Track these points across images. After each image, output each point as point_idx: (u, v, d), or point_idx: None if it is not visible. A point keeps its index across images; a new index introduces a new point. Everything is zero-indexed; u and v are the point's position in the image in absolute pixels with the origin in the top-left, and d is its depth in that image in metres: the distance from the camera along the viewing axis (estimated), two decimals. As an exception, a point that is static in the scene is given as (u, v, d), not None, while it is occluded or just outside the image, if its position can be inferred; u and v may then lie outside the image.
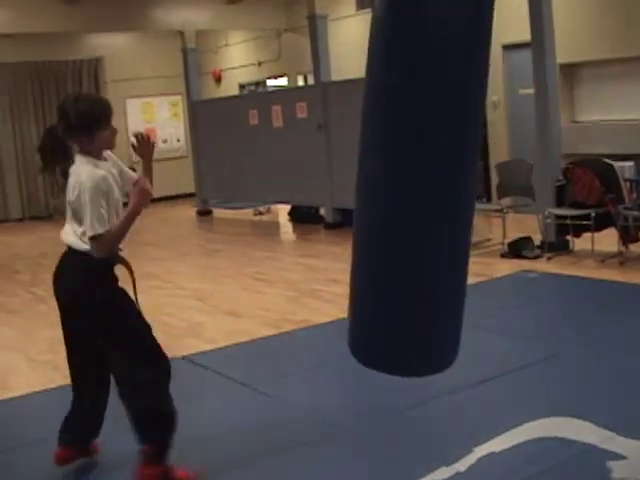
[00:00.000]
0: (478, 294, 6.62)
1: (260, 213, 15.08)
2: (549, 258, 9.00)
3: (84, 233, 3.77)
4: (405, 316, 2.78)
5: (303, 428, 4.68)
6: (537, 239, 9.39)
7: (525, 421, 4.48)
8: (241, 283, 9.11)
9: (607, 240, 8.87)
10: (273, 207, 15.19)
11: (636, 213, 8.43)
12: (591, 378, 5.20)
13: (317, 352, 6.38)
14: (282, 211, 14.70)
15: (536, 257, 9.10)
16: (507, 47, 12.21)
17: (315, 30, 12.57)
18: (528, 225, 9.86)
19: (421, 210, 2.69)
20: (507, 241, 9.45)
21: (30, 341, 7.19)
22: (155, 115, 18.48)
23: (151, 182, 3.96)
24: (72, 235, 3.88)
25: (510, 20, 10.69)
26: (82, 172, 3.75)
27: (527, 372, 5.38)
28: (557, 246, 9.26)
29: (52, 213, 16.69)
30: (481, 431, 4.39)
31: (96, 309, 3.85)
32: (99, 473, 4.27)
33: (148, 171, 4.10)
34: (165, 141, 18.35)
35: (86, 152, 3.82)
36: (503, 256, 9.26)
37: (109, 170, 3.87)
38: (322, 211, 13.21)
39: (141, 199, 3.75)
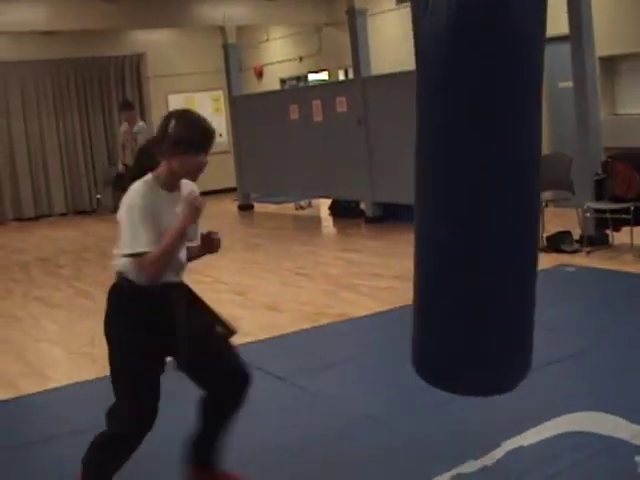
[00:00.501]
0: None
1: (301, 207, 15.14)
2: (588, 252, 8.97)
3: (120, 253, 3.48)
4: (475, 337, 2.88)
5: (341, 419, 4.75)
6: (576, 234, 9.35)
7: (555, 416, 4.49)
8: (281, 277, 9.16)
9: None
10: (314, 201, 15.23)
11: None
12: (623, 374, 5.19)
13: (353, 345, 6.45)
14: (323, 205, 14.74)
15: (575, 251, 9.07)
16: (546, 40, 12.11)
17: (354, 24, 12.58)
18: (568, 219, 9.81)
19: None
20: (546, 235, 9.42)
21: (71, 334, 7.33)
22: (197, 110, 18.49)
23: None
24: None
25: (549, 12, 10.61)
26: (131, 189, 3.49)
27: (559, 367, 5.39)
28: (596, 240, 9.21)
29: (96, 208, 16.91)
30: (510, 426, 4.41)
31: (108, 334, 3.67)
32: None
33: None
34: (211, 136, 18.42)
35: (155, 174, 3.52)
36: (542, 250, 9.21)
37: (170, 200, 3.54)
38: (362, 205, 13.23)
39: (189, 215, 3.44)
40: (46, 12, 13.61)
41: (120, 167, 12.84)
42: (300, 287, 8.62)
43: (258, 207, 15.73)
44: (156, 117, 16.49)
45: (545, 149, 12.11)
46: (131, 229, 3.38)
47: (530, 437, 4.27)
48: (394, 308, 7.06)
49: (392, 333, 6.43)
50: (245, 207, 15.68)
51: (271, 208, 15.61)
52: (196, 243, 3.74)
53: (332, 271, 9.35)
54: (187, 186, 3.62)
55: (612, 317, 6.58)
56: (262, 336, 6.70)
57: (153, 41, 17.91)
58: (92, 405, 5.16)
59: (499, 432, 4.35)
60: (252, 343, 6.48)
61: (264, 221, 14.45)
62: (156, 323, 3.52)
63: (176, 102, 18.01)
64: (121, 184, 13.75)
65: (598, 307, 7.06)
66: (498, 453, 4.11)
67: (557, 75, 12.12)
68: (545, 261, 8.68)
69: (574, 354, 5.61)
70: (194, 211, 3.44)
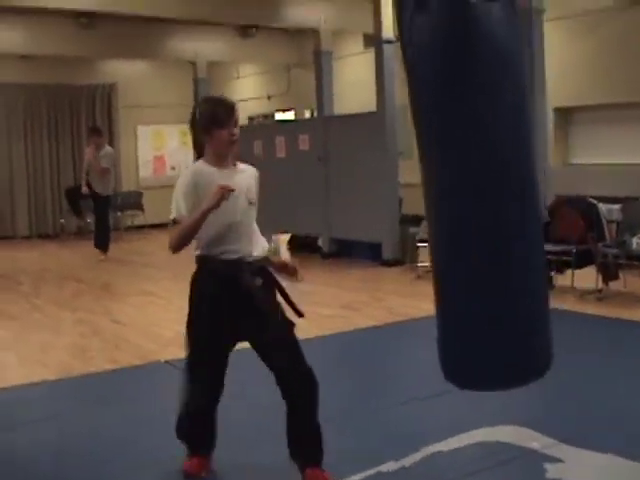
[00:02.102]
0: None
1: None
2: (531, 292, 9.27)
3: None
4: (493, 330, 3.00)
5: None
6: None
7: (476, 428, 4.77)
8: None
9: (589, 278, 9.15)
10: (274, 237, 15.45)
11: (616, 251, 8.72)
12: (549, 396, 5.46)
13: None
14: (282, 241, 14.97)
15: (518, 290, 9.36)
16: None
17: (320, 65, 12.99)
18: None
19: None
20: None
21: (23, 343, 7.56)
22: (165, 143, 18.85)
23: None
24: None
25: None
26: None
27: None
28: (540, 281, 9.52)
29: (59, 232, 17.06)
30: (433, 435, 4.69)
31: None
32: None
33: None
34: (174, 168, 18.65)
35: (205, 155, 4.02)
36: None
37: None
38: (320, 242, 13.49)
39: (215, 197, 3.77)
40: (23, 36, 13.88)
41: (84, 189, 13.05)
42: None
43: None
44: (124, 147, 16.80)
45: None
46: (174, 200, 3.90)
47: (449, 444, 4.55)
48: (335, 333, 7.35)
49: (329, 356, 6.73)
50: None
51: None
52: None
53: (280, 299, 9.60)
54: (243, 168, 4.11)
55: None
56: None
57: (125, 72, 18.20)
58: (41, 402, 5.44)
59: (421, 439, 4.62)
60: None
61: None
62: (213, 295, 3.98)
63: (145, 133, 18.34)
64: (75, 204, 14.08)
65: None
66: (418, 456, 4.38)
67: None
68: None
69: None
70: (217, 198, 3.77)
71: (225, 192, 3.79)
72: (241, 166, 4.11)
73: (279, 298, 4.15)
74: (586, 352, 6.66)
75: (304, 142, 13.25)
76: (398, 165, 11.91)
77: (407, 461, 4.32)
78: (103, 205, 13.06)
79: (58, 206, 17.24)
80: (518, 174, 2.97)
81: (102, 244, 12.97)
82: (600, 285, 8.95)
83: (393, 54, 11.85)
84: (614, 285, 9.03)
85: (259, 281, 4.03)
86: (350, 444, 4.67)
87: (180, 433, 4.25)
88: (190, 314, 4.06)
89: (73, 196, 14.01)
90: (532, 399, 5.43)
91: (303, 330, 7.48)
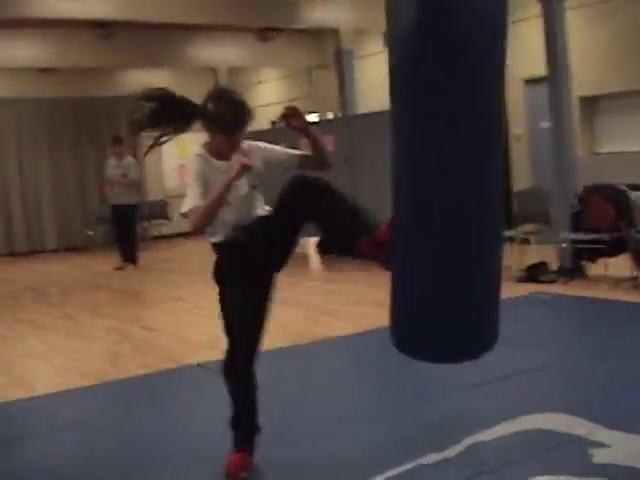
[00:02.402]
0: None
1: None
2: (564, 282, 9.18)
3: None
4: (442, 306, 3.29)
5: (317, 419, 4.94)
6: (554, 266, 9.57)
7: (517, 416, 4.69)
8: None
9: (622, 265, 9.03)
10: (302, 240, 15.40)
11: (648, 236, 8.61)
12: (586, 382, 5.39)
13: (330, 361, 6.65)
14: (311, 244, 14.95)
15: (552, 281, 9.27)
16: (528, 82, 12.50)
17: (341, 64, 12.95)
18: (546, 253, 10.02)
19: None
20: (523, 267, 9.64)
21: (56, 351, 7.54)
22: (189, 151, 18.75)
23: (320, 151, 4.10)
24: None
25: (531, 55, 10.99)
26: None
27: (525, 376, 5.60)
28: (573, 271, 9.43)
29: (87, 244, 17.06)
30: (474, 425, 4.60)
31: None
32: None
33: (314, 137, 4.07)
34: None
35: (205, 144, 4.02)
36: (520, 281, 9.43)
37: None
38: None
39: (235, 172, 3.78)
40: (42, 49, 13.95)
41: (108, 195, 13.08)
42: (280, 312, 8.77)
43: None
44: (149, 157, 16.73)
45: (525, 185, 12.40)
46: (188, 191, 3.84)
47: (491, 434, 4.46)
48: (372, 330, 7.27)
49: (368, 352, 6.69)
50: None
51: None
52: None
53: (313, 299, 9.55)
54: (253, 150, 4.03)
55: (580, 335, 6.81)
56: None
57: (146, 82, 18.18)
58: (77, 408, 5.41)
59: (462, 430, 4.54)
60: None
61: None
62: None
63: (169, 142, 18.27)
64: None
65: (567, 327, 7.32)
66: (460, 447, 4.30)
67: (538, 116, 12.45)
68: (521, 290, 8.92)
69: (539, 366, 5.82)
70: (240, 168, 3.78)
71: (248, 162, 3.81)
72: (245, 148, 3.99)
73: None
74: (623, 338, 6.55)
75: (328, 143, 13.17)
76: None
77: (449, 452, 4.24)
78: (130, 215, 13.02)
79: (85, 218, 17.25)
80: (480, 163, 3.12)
81: (130, 256, 12.95)
82: (634, 273, 8.83)
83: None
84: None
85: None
86: (391, 435, 4.62)
87: (234, 422, 4.20)
88: (221, 299, 4.09)
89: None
90: (573, 385, 5.37)
91: (341, 329, 7.54)
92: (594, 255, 9.34)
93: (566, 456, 4.13)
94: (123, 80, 18.10)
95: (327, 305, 9.06)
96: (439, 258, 3.22)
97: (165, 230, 17.08)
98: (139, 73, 18.07)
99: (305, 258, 14.20)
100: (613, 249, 8.97)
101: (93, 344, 7.74)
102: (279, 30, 15.64)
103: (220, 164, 3.91)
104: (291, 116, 3.94)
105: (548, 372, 5.73)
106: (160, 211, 17.11)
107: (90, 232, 17.09)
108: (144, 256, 13.60)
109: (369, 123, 12.37)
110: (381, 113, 12.18)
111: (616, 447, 4.16)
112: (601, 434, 4.33)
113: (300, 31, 16.50)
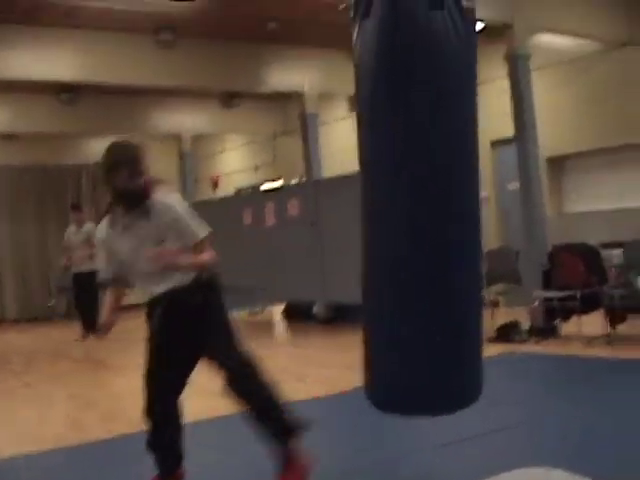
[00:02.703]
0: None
1: (254, 314, 15.10)
2: (537, 342, 9.04)
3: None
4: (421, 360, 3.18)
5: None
6: (527, 325, 9.44)
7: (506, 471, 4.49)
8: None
9: (595, 323, 8.92)
10: (268, 307, 15.23)
11: (622, 291, 8.51)
12: (575, 435, 5.22)
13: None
14: (277, 310, 14.77)
15: (524, 341, 9.14)
16: (494, 143, 12.49)
17: (306, 128, 12.89)
18: (516, 314, 9.91)
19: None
20: (496, 327, 9.50)
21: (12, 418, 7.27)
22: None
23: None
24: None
25: (498, 117, 10.98)
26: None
27: (500, 434, 5.42)
28: (546, 331, 9.30)
29: (49, 315, 16.75)
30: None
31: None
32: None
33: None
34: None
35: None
36: (491, 341, 9.27)
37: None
38: (315, 309, 13.20)
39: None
40: (6, 114, 13.80)
41: (65, 264, 12.84)
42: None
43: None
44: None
45: (493, 246, 12.34)
46: (192, 223, 4.18)
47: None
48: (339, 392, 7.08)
49: (336, 413, 6.48)
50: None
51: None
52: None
53: (280, 363, 9.34)
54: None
55: (554, 392, 6.67)
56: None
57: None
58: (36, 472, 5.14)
59: None
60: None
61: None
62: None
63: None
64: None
65: (541, 384, 7.18)
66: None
67: (505, 177, 12.44)
68: (493, 350, 8.75)
69: (514, 424, 5.65)
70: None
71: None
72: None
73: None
74: (598, 393, 6.41)
75: (293, 207, 13.05)
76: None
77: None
78: (92, 281, 12.74)
79: (46, 288, 16.96)
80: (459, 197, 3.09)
81: (92, 325, 12.63)
82: (608, 329, 8.71)
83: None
84: (622, 329, 8.79)
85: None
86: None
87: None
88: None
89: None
90: (557, 439, 5.18)
91: (309, 391, 7.31)
92: (566, 313, 9.23)
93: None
94: (87, 147, 17.94)
95: (293, 368, 8.83)
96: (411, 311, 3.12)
97: (128, 299, 16.75)
98: (103, 140, 17.89)
99: (270, 325, 14.03)
100: (586, 306, 8.86)
101: (54, 411, 7.45)
102: (243, 96, 15.64)
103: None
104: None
105: (522, 430, 5.54)
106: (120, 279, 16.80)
107: (51, 303, 16.78)
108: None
109: (335, 187, 12.28)
110: (347, 177, 12.14)
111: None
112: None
113: (264, 97, 16.53)
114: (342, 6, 9.12)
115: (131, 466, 5.31)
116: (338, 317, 12.47)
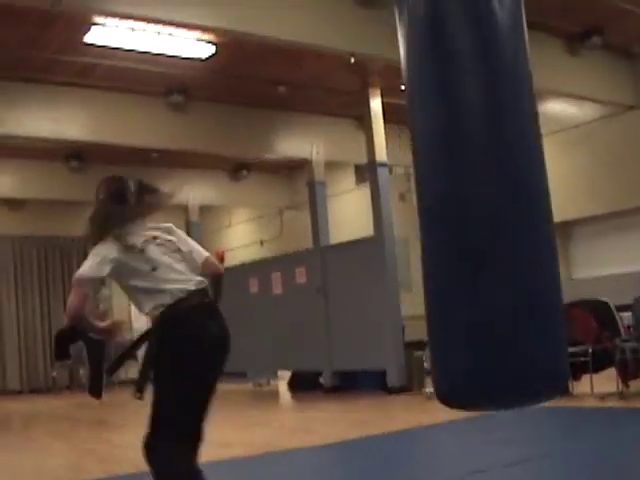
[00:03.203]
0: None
1: (259, 385, 14.91)
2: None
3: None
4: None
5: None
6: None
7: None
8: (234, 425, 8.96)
9: (608, 383, 8.76)
10: (273, 380, 15.05)
11: (634, 344, 8.37)
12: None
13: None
14: (282, 383, 14.58)
15: (535, 401, 8.95)
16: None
17: (314, 195, 12.91)
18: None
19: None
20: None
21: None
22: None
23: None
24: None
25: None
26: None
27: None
28: (557, 390, 9.12)
29: (50, 386, 16.58)
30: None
31: None
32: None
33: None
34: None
35: None
36: (502, 400, 9.09)
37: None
38: (321, 379, 13.02)
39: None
40: (11, 180, 13.85)
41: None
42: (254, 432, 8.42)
43: (215, 386, 15.43)
44: (117, 297, 16.44)
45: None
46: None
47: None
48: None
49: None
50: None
51: (229, 387, 15.32)
52: None
53: (288, 423, 9.21)
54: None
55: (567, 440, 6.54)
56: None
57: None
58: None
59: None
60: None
61: (220, 399, 14.14)
62: None
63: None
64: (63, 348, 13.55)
65: (555, 434, 7.04)
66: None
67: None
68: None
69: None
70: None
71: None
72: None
73: None
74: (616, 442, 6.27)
75: (301, 275, 13.01)
76: (400, 286, 11.60)
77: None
78: (98, 348, 12.58)
79: (49, 360, 16.81)
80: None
81: (96, 389, 12.43)
82: (621, 387, 8.55)
83: (387, 179, 11.80)
84: (635, 386, 8.63)
85: None
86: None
87: None
88: None
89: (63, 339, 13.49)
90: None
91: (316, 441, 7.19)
92: (578, 371, 9.07)
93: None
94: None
95: (301, 423, 8.69)
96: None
97: (132, 373, 16.52)
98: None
99: (276, 395, 13.84)
100: (598, 363, 8.71)
101: (55, 459, 7.30)
102: (251, 169, 15.73)
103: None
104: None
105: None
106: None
107: (54, 373, 16.64)
108: (110, 397, 13.05)
109: (342, 253, 12.26)
110: (354, 243, 12.13)
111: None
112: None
113: (272, 171, 16.62)
114: (352, 60, 9.20)
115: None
116: (345, 385, 12.30)
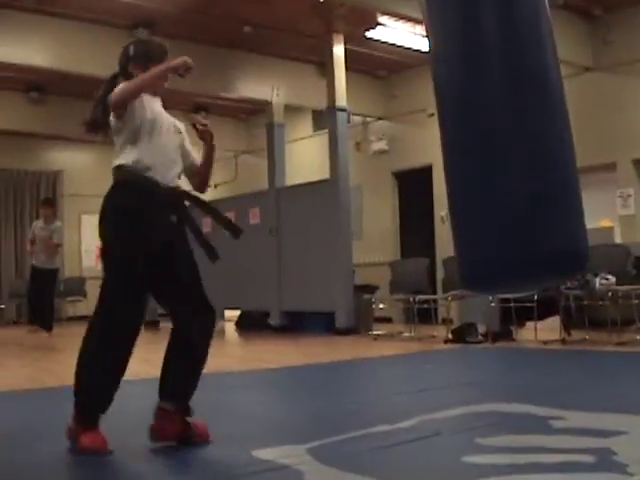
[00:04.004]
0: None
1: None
2: (493, 342, 9.13)
3: None
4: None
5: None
6: (482, 329, 9.53)
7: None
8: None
9: (552, 333, 9.06)
10: (220, 320, 15.17)
11: (577, 292, 8.66)
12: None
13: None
14: (229, 323, 14.77)
15: (479, 342, 9.23)
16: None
17: (272, 136, 13.01)
18: (473, 317, 10.01)
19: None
20: (451, 328, 9.61)
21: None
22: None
23: (211, 164, 4.21)
24: None
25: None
26: None
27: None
28: (501, 335, 9.40)
29: (-2, 318, 16.63)
30: (426, 410, 4.49)
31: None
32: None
33: (209, 153, 4.18)
34: (117, 258, 18.38)
35: None
36: (446, 342, 9.37)
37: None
38: (270, 320, 13.17)
39: (177, 62, 3.83)
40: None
41: (33, 261, 12.62)
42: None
43: (164, 325, 15.53)
44: (68, 235, 16.40)
45: (452, 252, 12.45)
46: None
47: (443, 414, 4.34)
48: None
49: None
50: (151, 324, 15.41)
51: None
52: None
53: (238, 354, 9.38)
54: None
55: (511, 373, 6.78)
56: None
57: (70, 159, 18.06)
58: None
59: (414, 411, 4.42)
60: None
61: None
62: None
63: (89, 222, 18.08)
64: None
65: (497, 369, 7.32)
66: (413, 421, 4.15)
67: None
68: (448, 348, 8.88)
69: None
70: (179, 64, 3.82)
71: (188, 63, 3.83)
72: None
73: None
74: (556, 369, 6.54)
75: (255, 215, 13.13)
76: (352, 232, 11.78)
77: (402, 424, 4.10)
78: (51, 278, 12.60)
79: (-1, 292, 16.82)
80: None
81: (46, 320, 12.46)
82: (563, 334, 8.85)
83: (346, 124, 11.96)
84: (577, 335, 8.94)
85: (174, 218, 3.92)
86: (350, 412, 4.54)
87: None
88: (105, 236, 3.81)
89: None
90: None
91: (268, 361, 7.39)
92: (522, 318, 9.37)
93: (524, 424, 4.03)
94: (48, 157, 17.88)
95: (252, 355, 8.87)
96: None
97: (81, 309, 16.52)
98: (64, 151, 17.92)
99: (222, 333, 13.96)
100: (542, 310, 9.00)
101: (6, 372, 7.40)
102: (209, 111, 15.73)
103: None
104: (202, 131, 4.08)
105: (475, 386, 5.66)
106: (77, 288, 16.68)
107: (2, 306, 16.62)
108: (59, 333, 13.09)
109: (297, 194, 12.39)
110: (309, 185, 12.28)
111: (573, 419, 4.07)
112: (556, 412, 4.23)
113: (229, 114, 16.67)
114: (321, -1, 9.30)
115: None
116: (293, 326, 12.49)
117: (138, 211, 3.77)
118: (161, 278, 3.88)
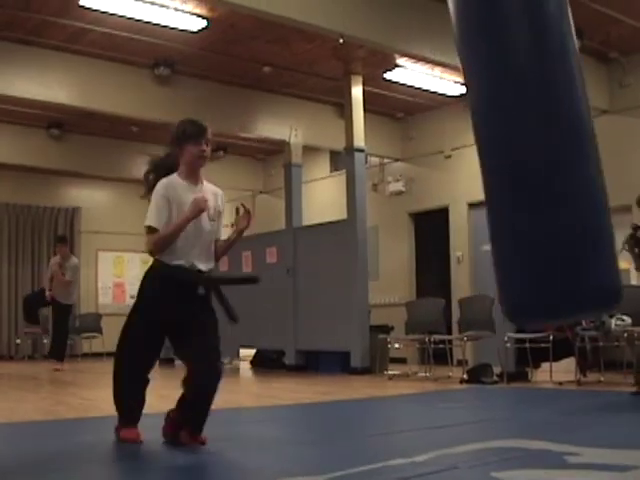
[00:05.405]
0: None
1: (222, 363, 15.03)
2: (508, 383, 9.12)
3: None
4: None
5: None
6: (497, 370, 9.52)
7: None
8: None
9: (567, 375, 9.05)
10: (235, 360, 15.20)
11: (592, 333, 8.65)
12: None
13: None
14: (245, 362, 14.77)
15: (494, 383, 9.21)
16: (472, 205, 12.77)
17: (290, 177, 13.11)
18: (488, 357, 10.02)
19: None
20: (467, 368, 9.60)
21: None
22: (125, 270, 18.66)
23: (232, 246, 4.81)
24: None
25: (475, 179, 11.22)
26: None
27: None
28: (516, 376, 9.39)
29: (13, 354, 16.64)
30: (442, 444, 4.49)
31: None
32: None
33: (235, 239, 4.74)
34: (133, 297, 18.42)
35: (179, 170, 4.58)
36: (462, 382, 9.37)
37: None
38: (285, 359, 13.19)
39: (191, 212, 4.38)
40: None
41: (47, 295, 12.72)
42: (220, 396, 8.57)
43: (179, 363, 15.53)
44: (85, 271, 16.51)
45: (467, 292, 12.44)
46: (150, 209, 4.43)
47: (460, 449, 4.34)
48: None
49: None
50: (166, 361, 15.44)
51: (192, 364, 15.43)
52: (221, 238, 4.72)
53: (253, 391, 9.38)
54: (210, 187, 4.70)
55: (523, 412, 6.76)
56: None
57: (88, 197, 18.19)
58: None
59: (431, 444, 4.42)
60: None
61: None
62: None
63: (106, 259, 18.21)
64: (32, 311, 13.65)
65: (510, 408, 7.30)
66: (429, 455, 4.17)
67: (480, 238, 12.65)
68: (464, 388, 8.87)
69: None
70: (196, 210, 4.38)
71: (204, 205, 4.39)
72: (207, 184, 4.69)
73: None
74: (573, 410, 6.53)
75: (272, 255, 13.21)
76: (368, 273, 11.82)
77: (418, 458, 4.11)
78: (64, 313, 12.73)
79: (14, 327, 16.84)
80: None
81: (58, 353, 12.57)
82: (578, 375, 8.84)
83: (363, 164, 12.05)
84: (592, 377, 8.93)
85: (202, 290, 4.55)
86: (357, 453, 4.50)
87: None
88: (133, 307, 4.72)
89: (31, 303, 13.60)
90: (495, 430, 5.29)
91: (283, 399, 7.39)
92: (538, 359, 9.36)
93: (540, 459, 4.03)
94: (66, 194, 18.01)
95: (266, 391, 8.87)
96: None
97: (97, 346, 16.58)
98: (83, 188, 18.06)
99: (237, 372, 13.97)
100: (558, 352, 8.99)
101: (24, 404, 7.43)
102: (227, 151, 15.87)
103: (191, 187, 4.55)
104: (242, 217, 4.73)
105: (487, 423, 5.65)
106: (92, 325, 16.73)
107: (18, 340, 16.68)
108: (72, 368, 13.14)
109: (314, 234, 12.46)
110: (326, 225, 12.35)
111: (588, 454, 4.08)
112: (572, 449, 4.24)
113: (248, 154, 16.80)
114: (341, 40, 9.41)
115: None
116: (308, 365, 12.50)
117: (162, 289, 4.55)
118: (177, 338, 4.65)
